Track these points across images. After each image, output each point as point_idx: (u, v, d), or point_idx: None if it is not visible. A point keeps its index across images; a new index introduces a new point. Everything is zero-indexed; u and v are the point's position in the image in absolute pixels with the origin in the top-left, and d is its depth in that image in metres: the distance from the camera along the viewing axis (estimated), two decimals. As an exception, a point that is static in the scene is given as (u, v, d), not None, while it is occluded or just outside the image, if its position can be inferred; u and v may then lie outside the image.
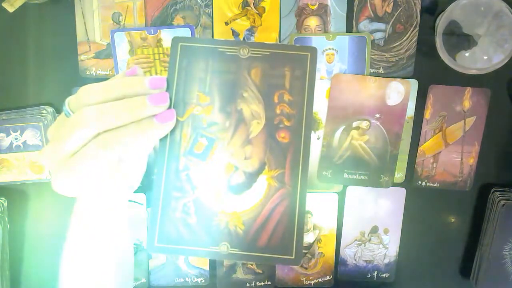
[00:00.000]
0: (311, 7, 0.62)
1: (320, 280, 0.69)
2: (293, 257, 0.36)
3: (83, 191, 0.35)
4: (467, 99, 0.63)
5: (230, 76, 0.37)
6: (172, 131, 0.36)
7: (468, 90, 0.63)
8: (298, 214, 0.36)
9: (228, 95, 0.37)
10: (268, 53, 0.37)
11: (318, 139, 0.64)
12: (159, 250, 0.36)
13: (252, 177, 0.37)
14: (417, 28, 0.62)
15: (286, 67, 0.37)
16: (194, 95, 0.37)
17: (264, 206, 0.36)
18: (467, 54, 0.59)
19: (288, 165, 0.36)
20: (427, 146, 0.65)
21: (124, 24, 0.63)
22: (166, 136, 0.36)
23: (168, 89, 0.36)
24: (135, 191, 0.44)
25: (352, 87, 0.63)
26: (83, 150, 0.33)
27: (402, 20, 0.62)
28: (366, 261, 0.68)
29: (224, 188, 0.36)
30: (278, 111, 0.37)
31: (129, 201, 0.47)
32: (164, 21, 0.63)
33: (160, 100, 0.34)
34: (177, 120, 0.36)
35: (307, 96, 0.37)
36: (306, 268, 0.68)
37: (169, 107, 0.36)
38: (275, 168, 0.36)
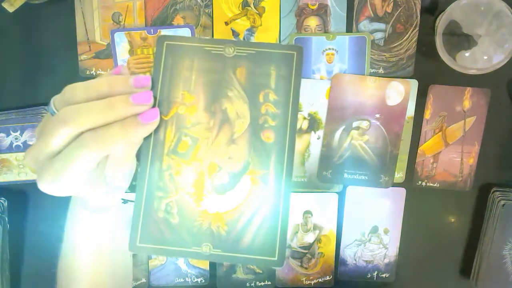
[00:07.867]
0: (311, 7, 0.62)
1: (320, 280, 0.69)
2: (275, 258, 0.35)
3: (68, 191, 0.35)
4: (467, 99, 0.63)
5: (215, 75, 0.36)
6: (156, 130, 0.36)
7: (468, 90, 0.63)
8: (281, 215, 0.35)
9: (213, 94, 0.36)
10: (253, 52, 0.37)
11: (318, 139, 0.64)
12: (141, 250, 0.36)
13: (236, 177, 0.36)
14: (417, 28, 0.62)
15: (271, 66, 0.36)
16: (179, 94, 0.36)
17: (248, 207, 0.36)
18: (467, 54, 0.59)
19: (273, 165, 0.36)
20: (427, 146, 0.65)
21: (124, 24, 0.63)
22: (150, 135, 0.36)
23: (153, 87, 0.36)
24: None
25: (352, 87, 0.63)
26: (66, 150, 0.33)
27: (402, 20, 0.62)
28: (366, 261, 0.68)
29: (207, 188, 0.36)
30: (263, 111, 0.36)
31: (129, 201, 0.47)
32: (164, 21, 0.63)
33: (143, 99, 0.34)
34: (161, 119, 0.36)
35: (293, 96, 0.36)
36: (306, 268, 0.68)
37: (154, 106, 0.35)
38: (259, 168, 0.36)
